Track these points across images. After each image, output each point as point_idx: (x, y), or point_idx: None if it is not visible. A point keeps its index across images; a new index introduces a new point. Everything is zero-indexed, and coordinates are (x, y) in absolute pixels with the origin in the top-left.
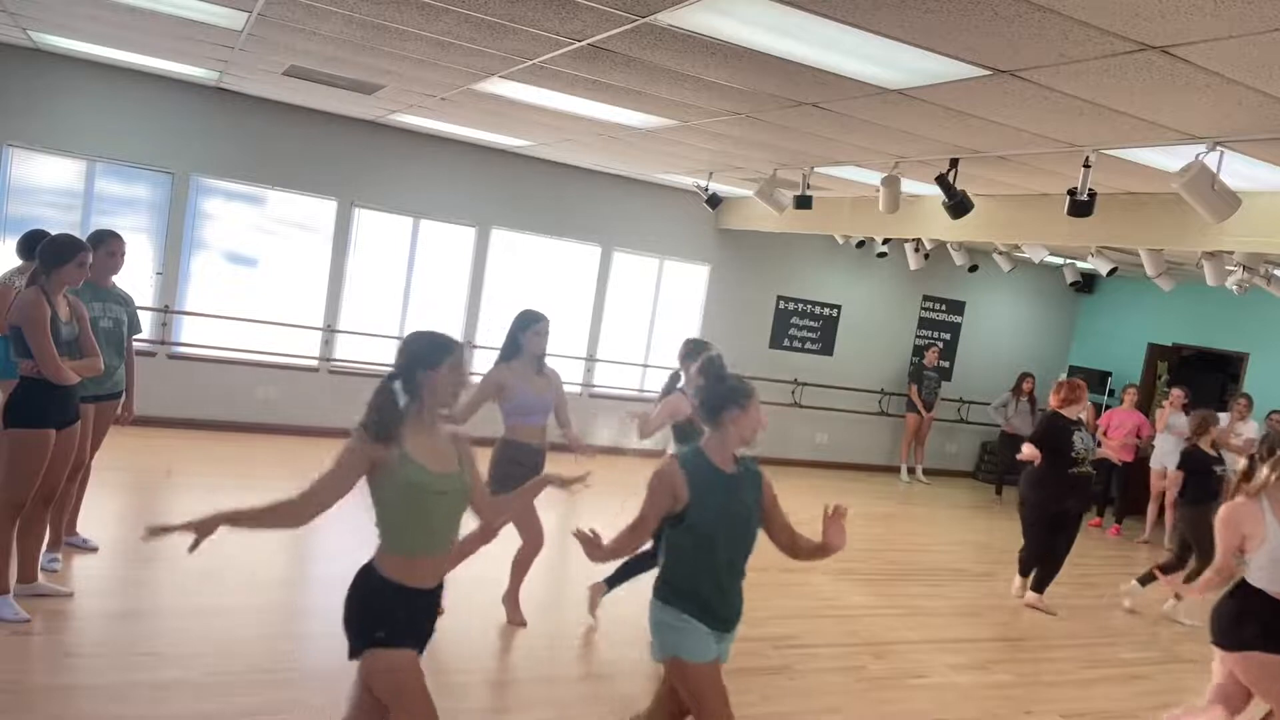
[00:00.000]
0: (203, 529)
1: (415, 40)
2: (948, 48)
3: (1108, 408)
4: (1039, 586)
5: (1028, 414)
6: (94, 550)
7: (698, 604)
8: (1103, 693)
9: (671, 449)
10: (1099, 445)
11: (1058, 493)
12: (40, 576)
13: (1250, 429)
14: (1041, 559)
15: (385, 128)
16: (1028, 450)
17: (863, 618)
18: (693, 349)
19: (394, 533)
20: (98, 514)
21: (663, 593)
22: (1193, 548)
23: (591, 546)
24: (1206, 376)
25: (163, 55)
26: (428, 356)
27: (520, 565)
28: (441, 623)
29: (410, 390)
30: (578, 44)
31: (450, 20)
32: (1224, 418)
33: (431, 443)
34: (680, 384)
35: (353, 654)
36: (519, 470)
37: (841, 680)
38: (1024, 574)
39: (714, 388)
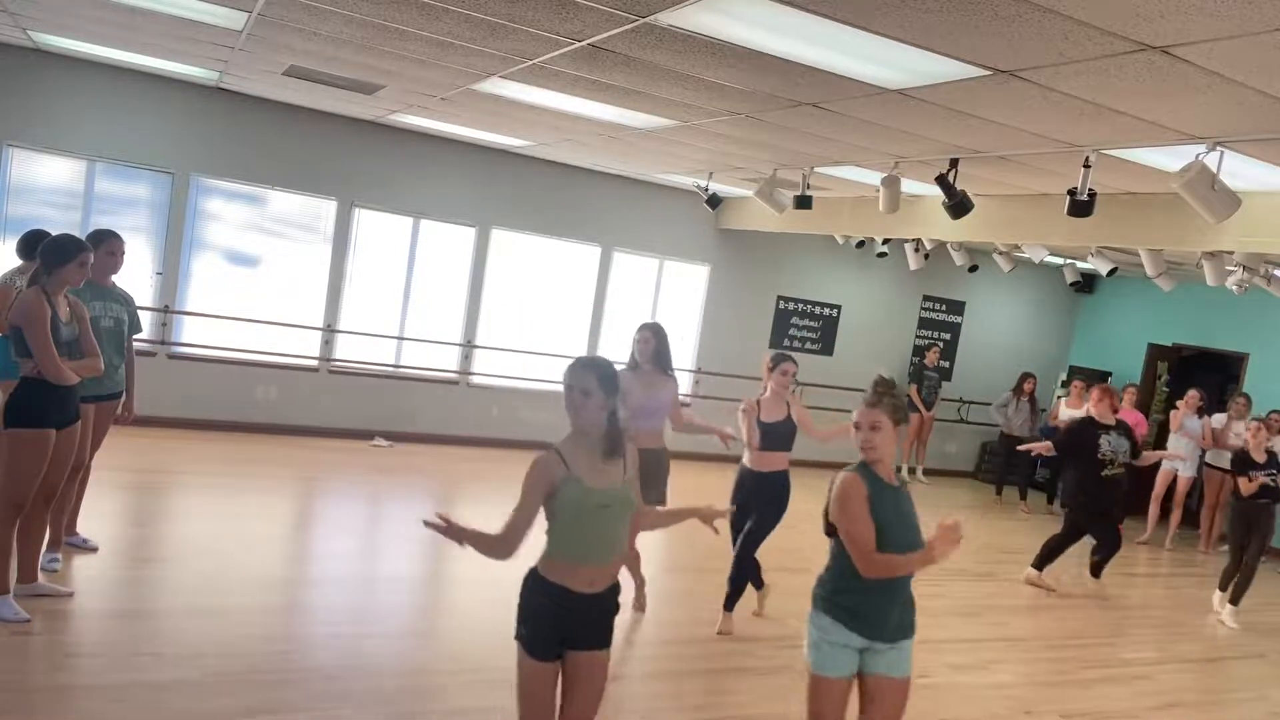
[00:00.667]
0: (455, 536)
1: (415, 40)
2: (948, 48)
3: None
4: (1041, 564)
5: (1028, 414)
6: (94, 550)
7: (852, 612)
8: (1103, 693)
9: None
10: (1140, 450)
11: (1097, 495)
12: (40, 576)
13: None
14: (1065, 543)
15: (385, 128)
16: (1040, 445)
17: None
18: (772, 359)
19: (555, 540)
20: (98, 514)
21: (818, 600)
22: (1243, 544)
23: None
24: (1206, 376)
25: (163, 55)
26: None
27: (632, 562)
28: (440, 622)
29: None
30: (578, 44)
31: (450, 20)
32: (1221, 418)
33: (595, 458)
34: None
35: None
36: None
37: None
38: (1038, 566)
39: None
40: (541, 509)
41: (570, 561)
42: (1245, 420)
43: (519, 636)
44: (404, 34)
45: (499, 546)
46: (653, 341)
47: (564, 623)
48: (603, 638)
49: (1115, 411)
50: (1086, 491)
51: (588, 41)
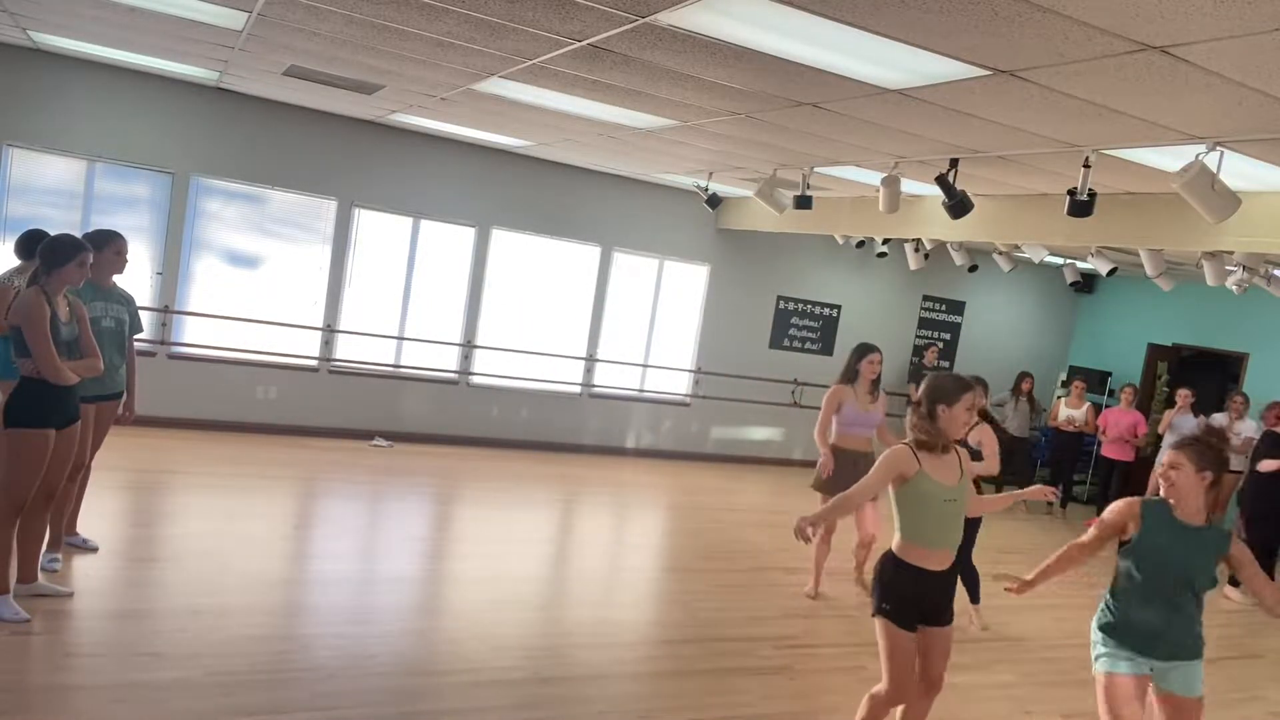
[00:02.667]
0: (815, 522)
1: (415, 40)
2: (948, 48)
3: (1107, 407)
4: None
5: (1026, 414)
6: (94, 550)
7: (1117, 623)
8: None
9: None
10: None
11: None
12: (40, 576)
13: (1248, 428)
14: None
15: (385, 128)
16: (1268, 464)
17: (863, 618)
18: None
19: (911, 529)
20: (98, 514)
21: (1099, 607)
22: None
23: None
24: (1206, 376)
25: (163, 55)
26: (948, 395)
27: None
28: (440, 622)
29: (926, 417)
30: (578, 44)
31: (450, 20)
32: (1220, 417)
33: (941, 460)
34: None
35: (873, 614)
36: (841, 471)
37: (841, 680)
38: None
39: None
40: (893, 498)
41: (924, 546)
42: (1243, 419)
43: (882, 612)
44: (404, 34)
45: (846, 505)
46: (880, 365)
47: (922, 598)
48: (949, 614)
49: None
50: (1268, 500)
51: (588, 41)
